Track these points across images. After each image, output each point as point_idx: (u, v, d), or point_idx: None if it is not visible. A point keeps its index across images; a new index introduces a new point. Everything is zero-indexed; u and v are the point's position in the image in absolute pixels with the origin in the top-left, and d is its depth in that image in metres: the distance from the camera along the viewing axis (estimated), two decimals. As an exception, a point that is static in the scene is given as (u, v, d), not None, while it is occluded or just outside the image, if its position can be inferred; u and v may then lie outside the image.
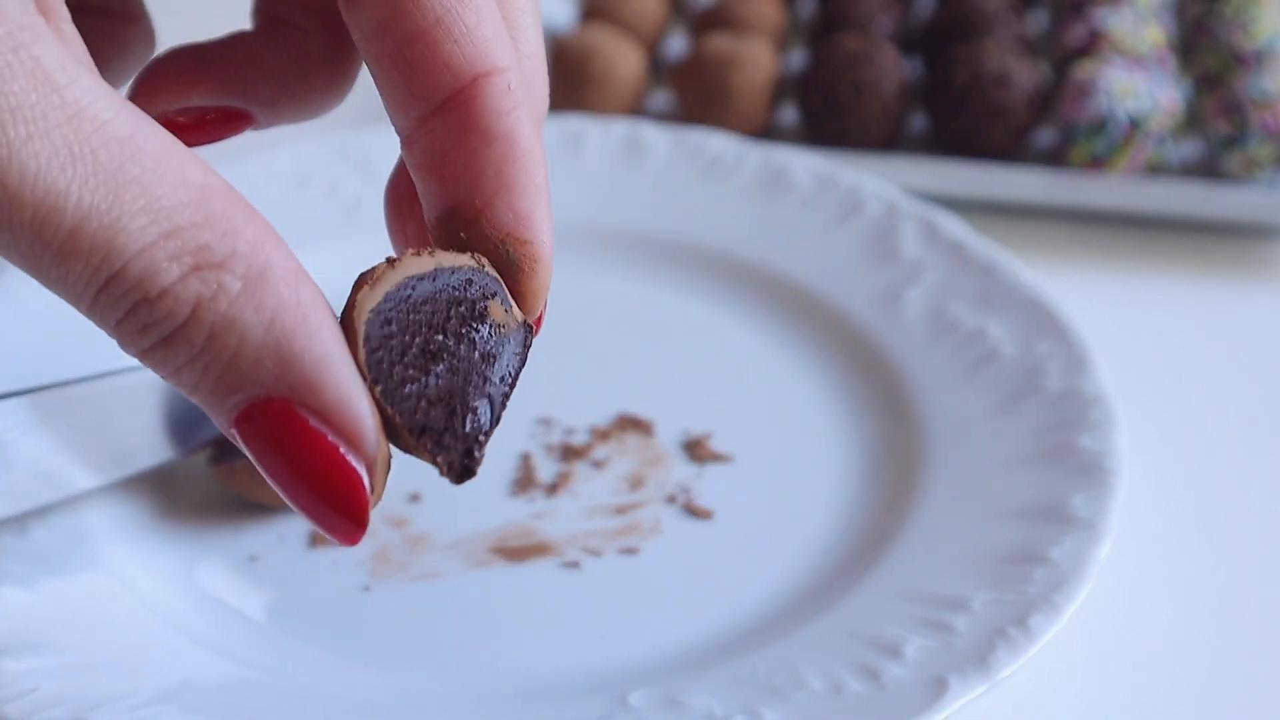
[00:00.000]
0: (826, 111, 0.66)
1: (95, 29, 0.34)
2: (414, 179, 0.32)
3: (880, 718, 0.39)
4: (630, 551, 0.47)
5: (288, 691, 0.42)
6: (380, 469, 0.29)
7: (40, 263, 0.26)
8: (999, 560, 0.44)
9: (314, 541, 0.47)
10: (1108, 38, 0.68)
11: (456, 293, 0.30)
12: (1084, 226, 0.66)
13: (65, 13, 0.28)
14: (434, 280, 0.30)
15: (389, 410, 0.29)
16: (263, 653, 0.43)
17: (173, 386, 0.28)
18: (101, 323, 0.27)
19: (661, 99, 0.71)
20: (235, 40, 0.35)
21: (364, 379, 0.29)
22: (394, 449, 0.30)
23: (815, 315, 0.57)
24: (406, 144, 0.31)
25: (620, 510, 0.49)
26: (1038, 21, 0.76)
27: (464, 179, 0.31)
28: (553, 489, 0.50)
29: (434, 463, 0.30)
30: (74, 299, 0.27)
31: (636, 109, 0.69)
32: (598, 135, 0.62)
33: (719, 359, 0.56)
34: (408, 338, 0.29)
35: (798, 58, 0.74)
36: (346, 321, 0.29)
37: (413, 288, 0.30)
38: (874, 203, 0.59)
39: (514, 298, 0.32)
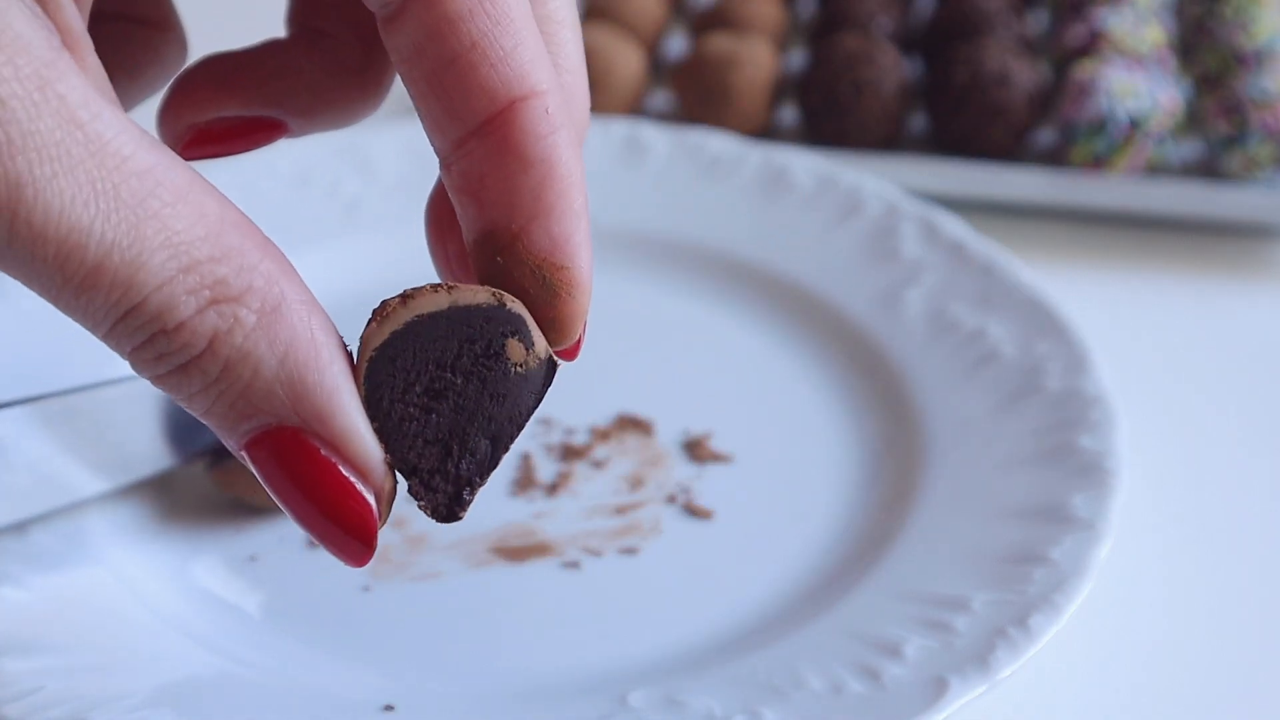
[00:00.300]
0: (826, 111, 0.66)
1: (128, 37, 0.34)
2: (452, 200, 0.31)
3: (880, 718, 0.39)
4: (630, 551, 0.47)
5: (288, 692, 0.42)
6: (387, 498, 0.29)
7: (61, 294, 0.27)
8: (999, 560, 0.44)
9: (313, 542, 0.47)
10: (1108, 38, 0.67)
11: (471, 330, 0.30)
12: (1084, 226, 0.66)
13: (89, 44, 0.28)
14: (448, 318, 0.30)
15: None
16: (262, 653, 0.43)
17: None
18: (117, 348, 0.28)
19: (661, 99, 0.71)
20: (269, 49, 0.35)
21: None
22: None
23: (815, 315, 0.57)
24: (444, 165, 0.31)
25: (620, 510, 0.49)
26: (1038, 21, 0.76)
27: (501, 203, 0.30)
28: (553, 489, 0.49)
29: (419, 505, 0.30)
30: (91, 327, 0.28)
31: (636, 109, 0.69)
32: (598, 135, 0.62)
33: (719, 359, 0.56)
34: (411, 376, 0.29)
35: (798, 57, 0.74)
36: (354, 355, 0.29)
37: (423, 325, 0.29)
38: (874, 203, 0.59)
39: (550, 323, 0.31)
